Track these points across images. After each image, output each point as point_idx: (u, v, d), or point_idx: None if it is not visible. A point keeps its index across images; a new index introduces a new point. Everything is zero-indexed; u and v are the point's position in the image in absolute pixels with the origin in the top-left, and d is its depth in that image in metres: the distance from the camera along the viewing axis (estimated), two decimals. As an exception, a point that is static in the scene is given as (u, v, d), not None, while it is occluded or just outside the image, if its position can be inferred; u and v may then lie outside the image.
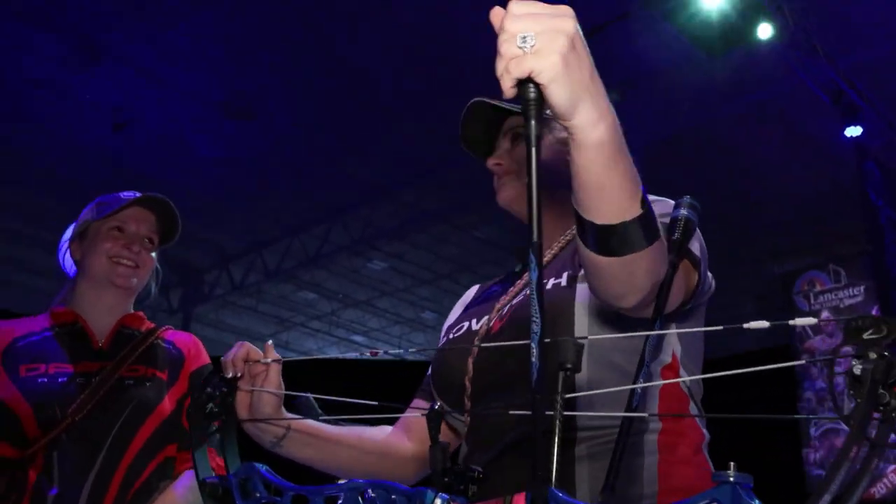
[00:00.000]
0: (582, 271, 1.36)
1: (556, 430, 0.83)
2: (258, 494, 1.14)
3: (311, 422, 1.47)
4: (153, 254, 2.20)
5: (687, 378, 1.42)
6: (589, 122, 0.95)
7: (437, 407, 1.05)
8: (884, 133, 7.63)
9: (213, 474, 1.25)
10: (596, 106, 0.94)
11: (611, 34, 6.22)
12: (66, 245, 2.23)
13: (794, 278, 9.13)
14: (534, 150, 0.85)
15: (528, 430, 1.26)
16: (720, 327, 1.02)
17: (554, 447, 0.82)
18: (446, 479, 0.99)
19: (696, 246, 1.32)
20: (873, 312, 8.41)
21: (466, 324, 1.56)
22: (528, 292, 1.40)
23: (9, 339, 2.06)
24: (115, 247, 2.12)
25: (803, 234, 9.38)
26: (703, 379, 1.46)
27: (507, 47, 0.87)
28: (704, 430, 1.45)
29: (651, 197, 1.10)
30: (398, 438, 1.59)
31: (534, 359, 0.83)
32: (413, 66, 7.09)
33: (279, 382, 1.39)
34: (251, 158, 8.55)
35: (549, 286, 1.43)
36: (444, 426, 1.57)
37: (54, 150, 8.15)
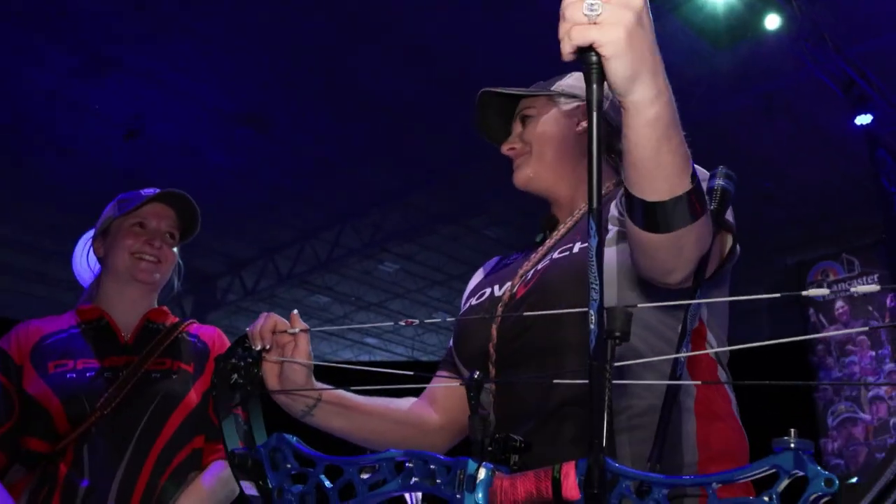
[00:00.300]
0: (610, 234, 1.38)
1: (608, 399, 0.82)
2: (288, 465, 1.14)
3: (341, 391, 1.47)
4: (174, 249, 2.22)
5: (719, 349, 1.42)
6: (646, 99, 0.94)
7: (476, 375, 1.04)
8: (895, 120, 7.58)
9: (241, 445, 1.24)
10: (654, 83, 0.94)
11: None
12: (88, 244, 2.26)
13: (807, 269, 9.09)
14: (595, 114, 0.83)
15: (569, 398, 1.31)
16: (745, 297, 1.03)
17: (603, 416, 0.82)
18: (490, 449, 0.98)
19: (730, 214, 1.33)
20: (888, 302, 8.37)
21: (488, 290, 1.55)
22: (552, 257, 1.45)
23: (37, 338, 2.09)
24: (136, 243, 2.14)
25: (815, 225, 9.33)
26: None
27: (573, 12, 0.86)
28: (731, 393, 1.45)
29: None
30: (424, 410, 1.58)
31: (592, 325, 0.82)
32: (421, 71, 7.10)
33: (308, 352, 1.38)
34: (262, 165, 8.57)
35: (575, 250, 1.42)
36: (457, 389, 1.57)
37: (67, 162, 8.20)
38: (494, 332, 1.44)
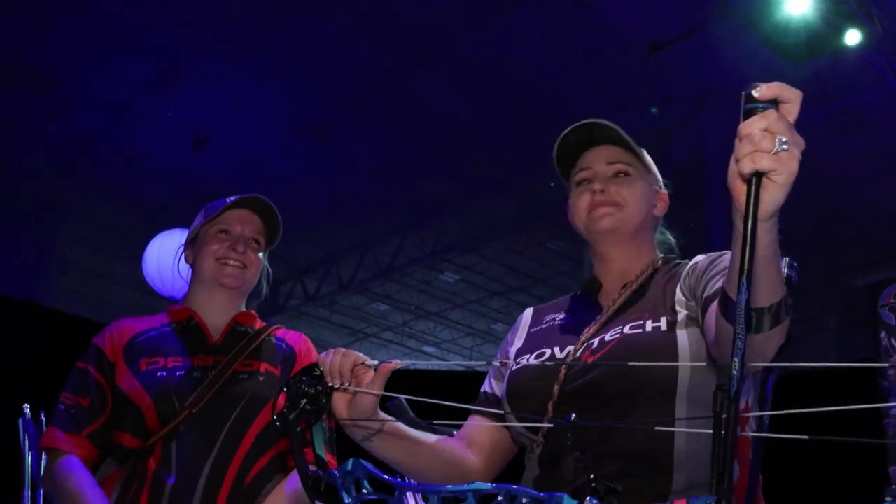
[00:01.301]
0: (679, 317, 1.50)
1: (729, 441, 0.90)
2: (364, 491, 1.14)
3: (400, 424, 1.52)
4: (261, 254, 2.25)
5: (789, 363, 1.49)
6: (771, 224, 1.05)
7: (572, 418, 1.10)
8: (976, 140, 7.31)
9: (313, 468, 1.26)
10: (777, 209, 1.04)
11: (687, 46, 6.12)
12: (180, 251, 2.31)
13: (879, 290, 8.80)
14: (750, 223, 0.96)
15: (630, 452, 1.42)
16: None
17: (732, 456, 0.89)
18: (594, 486, 1.00)
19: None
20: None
21: (548, 350, 1.61)
22: (624, 331, 1.54)
23: (129, 336, 2.15)
24: (221, 248, 2.18)
25: (887, 245, 9.05)
26: (785, 394, 1.55)
27: (765, 141, 0.95)
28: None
29: None
30: (464, 452, 1.63)
31: (735, 371, 0.91)
32: (485, 86, 7.11)
33: (381, 386, 1.41)
34: (326, 174, 8.69)
35: (648, 328, 1.51)
36: (498, 434, 1.64)
37: (136, 170, 8.42)
38: (556, 391, 1.51)
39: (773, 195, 0.99)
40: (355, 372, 1.40)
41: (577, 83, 6.78)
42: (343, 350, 1.41)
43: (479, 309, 11.96)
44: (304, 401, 1.34)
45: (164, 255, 6.03)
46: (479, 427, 1.64)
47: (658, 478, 1.42)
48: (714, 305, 1.32)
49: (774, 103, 0.97)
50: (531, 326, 1.77)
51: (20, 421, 2.47)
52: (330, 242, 10.29)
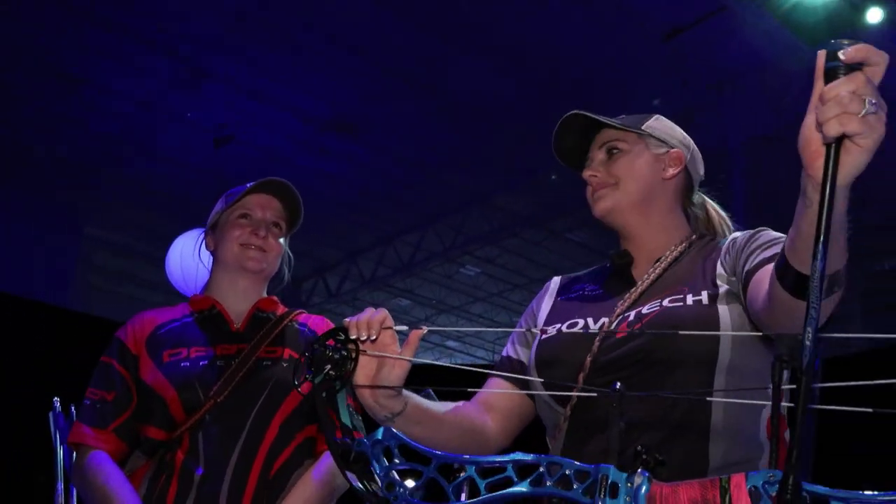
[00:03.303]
0: (721, 291, 1.50)
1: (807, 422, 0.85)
2: (396, 461, 1.11)
3: (420, 401, 1.48)
4: (282, 239, 2.25)
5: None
6: (846, 191, 1.04)
7: (618, 387, 1.06)
8: None
9: (341, 436, 1.21)
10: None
11: (709, 28, 6.05)
12: (200, 239, 2.30)
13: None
14: (828, 189, 0.90)
15: (684, 420, 1.42)
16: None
17: (807, 429, 0.85)
18: (645, 457, 0.97)
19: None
20: None
21: (580, 321, 1.59)
22: (663, 304, 1.53)
23: (151, 328, 2.14)
24: (243, 233, 2.17)
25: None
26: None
27: (853, 103, 0.91)
28: None
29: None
30: (481, 416, 1.61)
31: (808, 342, 0.86)
32: (507, 75, 7.07)
33: (412, 353, 1.38)
34: (346, 170, 8.68)
35: (689, 301, 1.51)
36: (518, 399, 1.63)
37: (161, 169, 8.46)
38: (588, 363, 1.50)
39: (855, 159, 0.96)
40: (382, 340, 1.35)
41: (601, 73, 6.73)
42: (371, 308, 1.37)
43: (501, 302, 11.93)
44: (329, 366, 1.26)
45: (187, 255, 6.05)
46: (498, 392, 1.62)
47: (695, 450, 1.41)
48: (763, 273, 1.33)
49: (859, 65, 0.93)
50: (559, 295, 1.75)
51: (50, 415, 2.47)
52: (351, 239, 10.30)
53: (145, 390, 2.05)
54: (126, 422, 2.05)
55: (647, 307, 1.54)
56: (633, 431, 1.40)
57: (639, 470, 0.94)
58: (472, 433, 1.57)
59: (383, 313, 1.35)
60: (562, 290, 1.75)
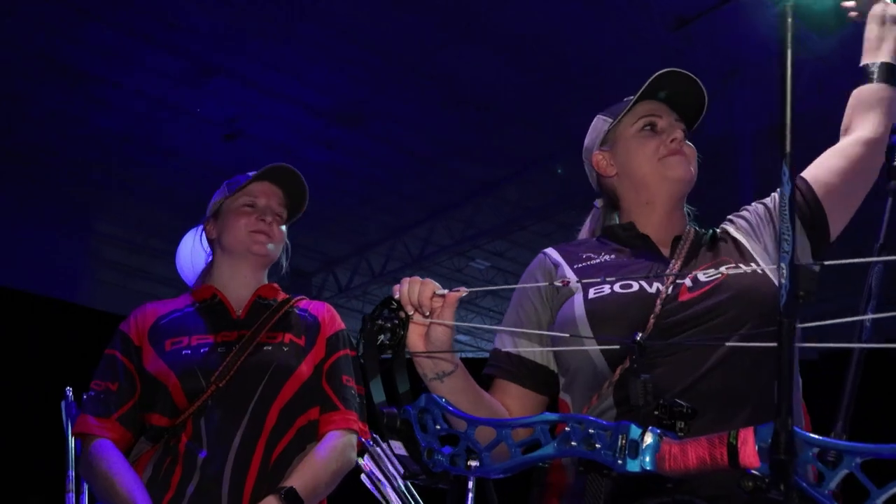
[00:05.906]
0: (765, 264, 1.57)
1: (791, 361, 0.81)
2: (438, 427, 1.13)
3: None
4: (283, 227, 2.27)
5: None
6: None
7: (639, 338, 1.06)
8: None
9: (388, 404, 1.24)
10: None
11: (717, 19, 6.02)
12: (199, 228, 2.33)
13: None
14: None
15: (728, 364, 1.43)
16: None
17: (791, 379, 0.81)
18: (656, 413, 0.96)
19: None
20: None
21: (635, 284, 1.55)
22: (722, 271, 1.54)
23: (153, 319, 2.18)
24: (250, 221, 2.20)
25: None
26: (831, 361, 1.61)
27: None
28: None
29: None
30: (502, 411, 1.61)
31: (783, 279, 0.81)
32: (514, 64, 7.04)
33: (452, 316, 1.39)
34: (355, 163, 8.68)
35: (746, 270, 1.54)
36: (551, 357, 1.63)
37: (170, 165, 8.48)
38: (651, 323, 1.48)
39: None
40: (433, 302, 1.38)
41: (608, 63, 6.70)
42: (419, 279, 1.38)
43: (510, 294, 11.91)
44: (383, 336, 1.32)
45: (198, 250, 6.06)
46: (507, 396, 1.61)
47: (739, 412, 1.43)
48: (827, 156, 1.72)
49: None
50: (572, 263, 1.69)
51: (62, 403, 2.49)
52: (360, 232, 10.30)
53: (148, 379, 2.09)
54: (130, 410, 2.08)
55: (702, 274, 1.55)
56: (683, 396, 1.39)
57: (649, 428, 0.93)
58: (494, 413, 1.56)
59: (430, 287, 1.37)
60: (570, 260, 1.70)
